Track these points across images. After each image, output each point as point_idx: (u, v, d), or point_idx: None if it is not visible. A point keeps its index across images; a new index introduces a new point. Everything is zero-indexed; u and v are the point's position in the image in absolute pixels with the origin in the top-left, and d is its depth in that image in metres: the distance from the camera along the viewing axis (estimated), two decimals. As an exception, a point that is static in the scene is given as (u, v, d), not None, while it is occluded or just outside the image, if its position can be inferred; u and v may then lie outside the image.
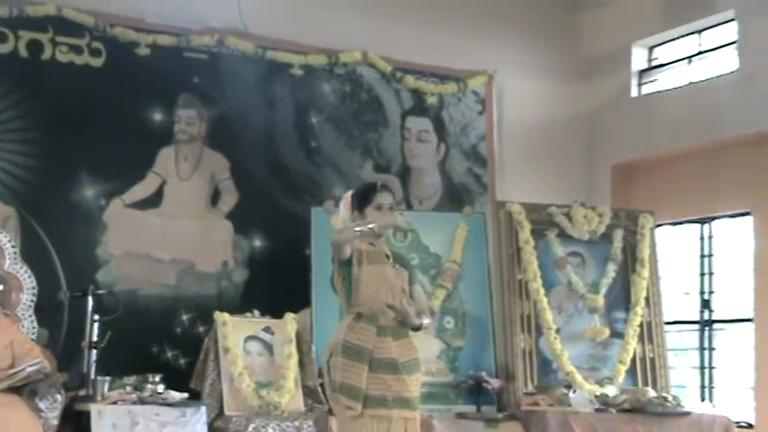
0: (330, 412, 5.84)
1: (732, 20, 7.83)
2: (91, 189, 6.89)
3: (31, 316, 6.14)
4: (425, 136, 8.20)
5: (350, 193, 5.12)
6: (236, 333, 6.64)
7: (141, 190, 7.08)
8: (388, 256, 4.97)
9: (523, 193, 7.82)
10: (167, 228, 7.11)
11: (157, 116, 7.17)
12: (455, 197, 8.19)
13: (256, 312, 6.82)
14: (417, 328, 4.90)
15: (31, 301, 6.15)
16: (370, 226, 4.78)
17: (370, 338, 4.78)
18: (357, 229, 4.80)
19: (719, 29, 8.10)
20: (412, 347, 4.91)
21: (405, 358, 4.83)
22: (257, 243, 7.33)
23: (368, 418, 4.72)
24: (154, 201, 7.11)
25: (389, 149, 8.05)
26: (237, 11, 7.32)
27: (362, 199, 4.99)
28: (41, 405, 5.38)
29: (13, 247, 6.19)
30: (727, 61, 7.93)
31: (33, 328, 6.12)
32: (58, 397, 5.47)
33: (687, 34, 8.36)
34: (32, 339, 5.90)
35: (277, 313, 6.83)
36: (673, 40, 8.49)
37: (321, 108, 7.78)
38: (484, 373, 6.87)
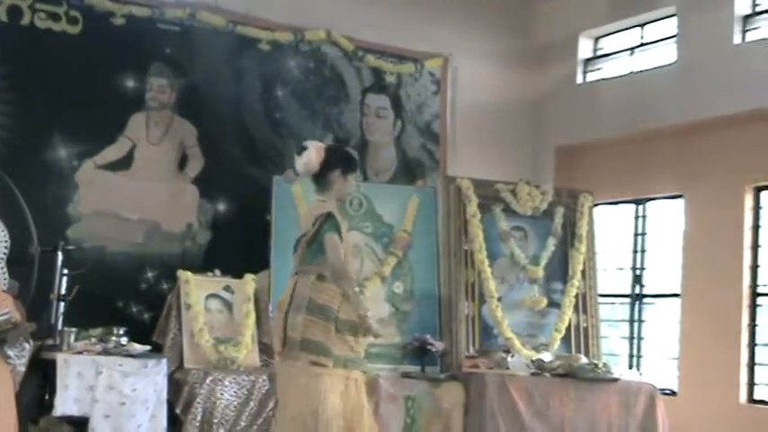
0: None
1: (673, 15, 7.87)
2: (64, 150, 6.81)
3: (2, 268, 6.08)
4: (383, 112, 8.18)
5: (324, 146, 5.09)
6: (198, 291, 6.63)
7: (112, 152, 7.01)
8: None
9: (473, 169, 7.82)
10: (136, 189, 7.05)
11: (130, 83, 7.09)
12: (409, 171, 8.19)
13: (218, 272, 6.83)
14: None
15: (3, 253, 6.10)
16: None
17: (335, 298, 4.81)
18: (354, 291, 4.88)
19: (661, 23, 8.15)
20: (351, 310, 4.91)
21: (350, 319, 4.84)
22: (221, 207, 7.29)
23: (332, 375, 4.76)
24: (124, 163, 7.04)
25: (349, 124, 8.03)
26: (210, -14, 7.26)
27: (349, 166, 5.06)
28: (10, 352, 5.31)
29: (-14, 202, 6.12)
30: (667, 54, 7.98)
31: (5, 279, 6.06)
32: (27, 345, 5.40)
33: (630, 27, 8.40)
34: (3, 290, 5.83)
35: (237, 274, 6.82)
36: (617, 31, 8.52)
37: (286, 82, 7.73)
38: (429, 336, 6.91)
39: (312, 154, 4.99)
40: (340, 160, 5.05)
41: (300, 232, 5.05)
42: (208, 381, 6.10)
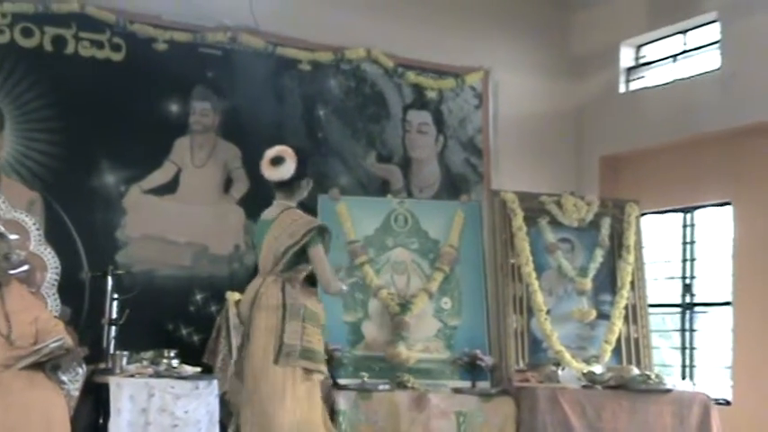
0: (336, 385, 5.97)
1: (715, 21, 7.81)
2: (111, 176, 6.90)
3: (54, 294, 6.14)
4: (425, 128, 8.19)
5: (293, 153, 5.43)
6: (247, 312, 6.65)
7: (158, 177, 7.09)
8: None
9: (517, 182, 7.82)
10: (183, 213, 7.12)
11: (174, 108, 7.18)
12: (453, 186, 8.19)
13: (266, 292, 6.83)
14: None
15: (55, 280, 6.16)
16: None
17: (319, 303, 5.32)
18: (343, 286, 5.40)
19: (703, 29, 8.08)
20: None
21: None
22: (267, 228, 7.33)
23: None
24: (170, 187, 7.12)
25: (391, 141, 8.06)
26: (249, 9, 7.30)
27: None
28: (64, 378, 5.38)
29: (37, 229, 6.19)
30: (710, 60, 7.91)
31: (56, 305, 6.12)
32: (80, 370, 5.48)
33: (672, 34, 8.34)
34: (55, 316, 5.90)
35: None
36: (659, 39, 8.46)
37: (327, 101, 7.78)
38: (478, 351, 6.88)
39: (292, 164, 5.34)
40: (306, 167, 5.34)
41: (271, 234, 5.31)
42: (259, 401, 6.10)
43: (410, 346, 6.88)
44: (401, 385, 6.58)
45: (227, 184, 7.34)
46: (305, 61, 7.66)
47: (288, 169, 5.35)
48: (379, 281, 7.03)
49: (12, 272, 5.64)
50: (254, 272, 7.12)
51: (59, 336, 5.41)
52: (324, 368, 5.00)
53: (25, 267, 5.93)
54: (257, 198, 7.24)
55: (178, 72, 7.12)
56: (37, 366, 5.30)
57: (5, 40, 6.66)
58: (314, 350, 4.96)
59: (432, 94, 8.19)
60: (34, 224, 6.18)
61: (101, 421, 5.74)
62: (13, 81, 6.66)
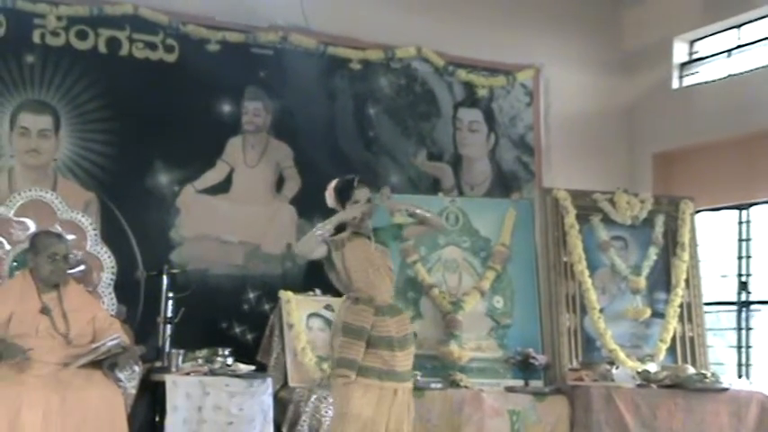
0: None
1: (770, 15, 7.71)
2: (165, 176, 6.97)
3: (110, 293, 6.21)
4: (476, 126, 8.17)
5: (332, 185, 5.26)
6: (300, 310, 6.68)
7: (212, 177, 7.14)
8: (369, 238, 5.14)
9: (569, 180, 7.75)
10: (235, 212, 7.17)
11: (226, 108, 7.23)
12: (504, 184, 8.16)
13: (318, 291, 6.83)
14: None
15: (111, 279, 6.23)
16: (327, 227, 5.04)
17: (368, 318, 4.98)
18: (318, 233, 5.06)
19: (758, 23, 7.96)
20: (406, 323, 5.16)
21: (401, 333, 5.04)
22: (319, 227, 7.36)
23: (360, 384, 4.92)
24: (223, 187, 7.17)
25: (442, 139, 8.04)
26: (301, 10, 7.34)
27: (342, 194, 5.18)
28: (121, 376, 5.45)
29: (94, 229, 6.27)
30: (765, 55, 7.79)
31: (113, 304, 6.20)
32: (137, 368, 5.54)
33: (727, 29, 8.22)
34: (112, 315, 5.98)
35: (337, 292, 6.83)
36: (713, 34, 8.35)
37: (378, 100, 7.79)
38: (531, 350, 6.84)
39: (327, 196, 5.26)
40: (337, 195, 5.20)
41: None
42: (312, 399, 6.13)
43: (462, 344, 6.86)
44: (454, 384, 6.56)
45: (279, 184, 7.38)
46: (355, 60, 7.67)
47: (329, 202, 5.28)
48: (431, 279, 7.01)
49: (69, 272, 5.71)
50: (306, 270, 7.21)
51: (116, 334, 5.48)
52: (352, 373, 4.91)
53: (82, 267, 6.02)
54: (309, 197, 7.31)
55: (230, 72, 7.16)
56: (95, 364, 5.39)
57: (61, 43, 6.75)
58: (347, 358, 4.95)
59: (482, 92, 8.16)
60: (90, 224, 6.26)
61: (157, 419, 5.81)
62: (69, 83, 6.75)
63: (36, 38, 6.69)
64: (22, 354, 5.17)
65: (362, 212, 5.14)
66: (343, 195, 5.17)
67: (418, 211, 5.33)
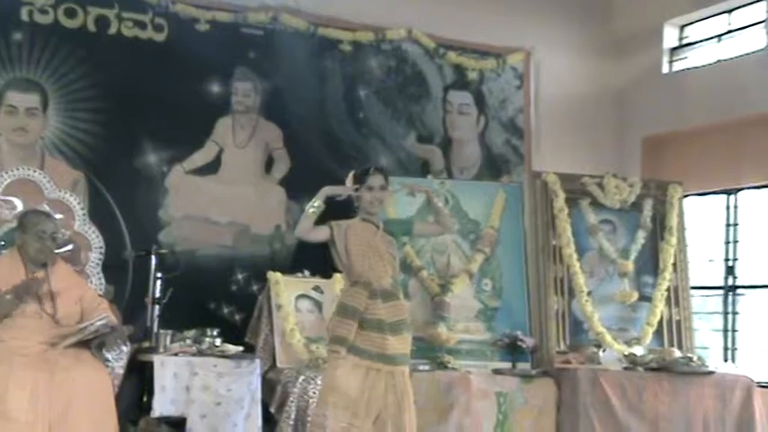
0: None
1: (760, 0, 7.67)
2: (154, 156, 6.93)
3: (98, 273, 6.19)
4: (466, 109, 8.14)
5: (353, 172, 5.31)
6: (288, 291, 6.66)
7: (200, 157, 7.10)
8: (377, 226, 5.17)
9: (558, 163, 7.73)
10: (224, 193, 7.14)
11: (216, 88, 7.18)
12: (494, 167, 8.14)
13: (306, 272, 6.83)
14: None
15: (99, 259, 6.20)
16: (316, 204, 5.08)
17: (361, 300, 5.01)
18: (311, 210, 5.10)
19: (748, 9, 7.94)
20: (401, 309, 5.14)
21: (392, 319, 5.04)
22: (308, 208, 7.33)
23: (350, 363, 4.96)
24: (212, 167, 7.14)
25: (432, 121, 8.01)
26: (292, -10, 7.31)
27: (359, 180, 5.20)
28: (109, 356, 5.42)
29: (81, 209, 6.24)
30: (755, 40, 7.78)
31: (101, 284, 6.17)
32: (124, 348, 5.51)
33: (717, 14, 8.20)
34: (100, 295, 5.94)
35: (326, 274, 6.84)
36: (703, 19, 8.33)
37: (368, 82, 7.75)
38: (519, 333, 6.83)
39: (347, 183, 5.29)
40: (357, 180, 5.24)
41: None
42: (300, 380, 6.11)
43: (450, 326, 6.85)
44: (441, 366, 6.56)
45: (269, 165, 7.34)
46: (346, 41, 7.63)
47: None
48: (420, 261, 6.99)
49: (57, 251, 5.67)
50: (295, 251, 7.18)
51: (104, 314, 5.44)
52: (342, 349, 4.98)
53: (70, 247, 5.98)
54: (298, 178, 7.30)
55: (220, 52, 7.11)
56: (82, 344, 5.35)
57: (49, 21, 6.68)
58: (338, 336, 5.01)
59: (473, 75, 8.13)
60: (78, 204, 6.23)
61: (145, 399, 5.79)
62: (57, 62, 6.68)
63: (24, 15, 6.62)
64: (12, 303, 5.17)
65: (353, 196, 5.17)
66: (360, 180, 5.18)
67: (437, 201, 5.42)
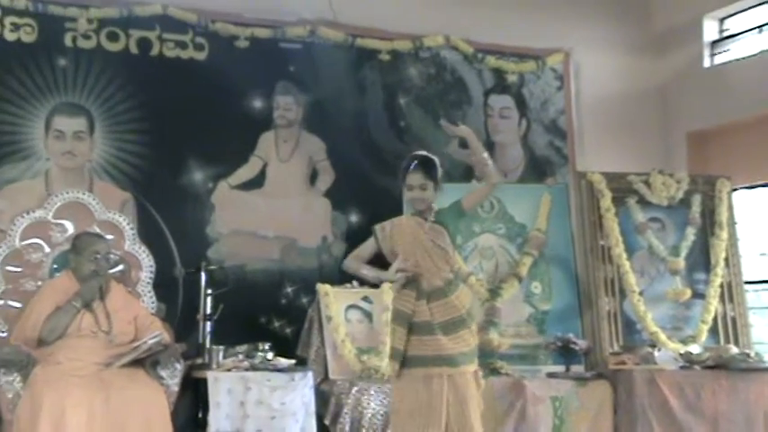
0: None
1: (802, -12, 7.55)
2: (199, 173, 6.94)
3: (150, 292, 6.22)
4: (507, 112, 8.07)
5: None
6: (338, 303, 6.63)
7: (245, 172, 7.10)
8: (426, 219, 4.88)
9: (603, 162, 7.64)
10: (270, 207, 7.12)
11: (257, 103, 7.18)
12: (538, 169, 8.05)
13: (355, 283, 6.76)
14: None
15: (150, 278, 6.23)
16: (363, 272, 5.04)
17: (409, 303, 4.79)
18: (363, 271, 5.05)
19: (789, -2, 7.82)
20: (452, 306, 4.81)
21: (441, 319, 4.76)
22: (353, 218, 7.30)
23: (404, 378, 4.75)
24: (257, 182, 7.13)
25: (474, 126, 7.77)
26: (328, 3, 7.28)
27: (401, 176, 4.94)
28: (163, 374, 5.45)
29: (131, 229, 6.27)
30: (798, 29, 7.65)
31: (152, 303, 6.20)
32: (178, 366, 5.53)
33: (757, 5, 8.06)
34: (152, 314, 5.96)
35: (374, 284, 6.78)
36: (743, 11, 8.19)
37: (408, 90, 7.71)
38: (571, 335, 6.73)
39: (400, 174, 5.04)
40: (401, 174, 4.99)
41: None
42: (353, 391, 6.09)
43: (502, 332, 6.79)
44: (495, 372, 6.48)
45: (313, 177, 7.32)
46: (384, 51, 7.60)
47: None
48: (468, 267, 6.93)
49: (109, 272, 5.69)
50: (341, 263, 7.13)
51: (157, 332, 5.46)
52: (396, 365, 4.83)
53: (121, 267, 5.99)
54: (342, 189, 7.29)
55: (260, 68, 7.12)
56: (136, 363, 5.38)
57: (92, 45, 6.73)
58: (394, 348, 4.84)
59: (512, 78, 8.06)
60: (128, 224, 6.26)
61: (200, 415, 5.78)
62: (102, 85, 6.72)
63: (68, 41, 6.68)
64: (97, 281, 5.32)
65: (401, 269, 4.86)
66: (401, 178, 4.93)
67: (476, 141, 5.26)
